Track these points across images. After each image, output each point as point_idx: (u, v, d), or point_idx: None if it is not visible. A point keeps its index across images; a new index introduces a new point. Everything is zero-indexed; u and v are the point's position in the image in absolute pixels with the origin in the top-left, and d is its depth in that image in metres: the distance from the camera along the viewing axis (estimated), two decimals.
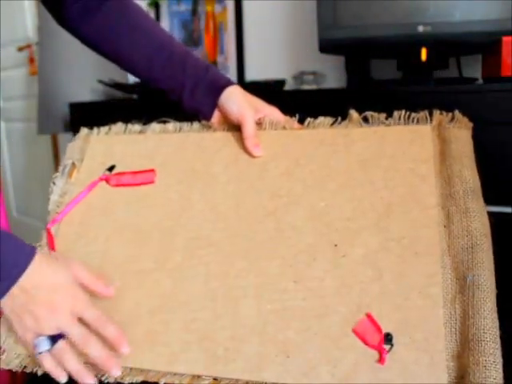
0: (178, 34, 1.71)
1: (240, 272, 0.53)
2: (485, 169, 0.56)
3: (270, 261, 0.53)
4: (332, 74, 1.40)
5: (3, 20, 2.12)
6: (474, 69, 1.19)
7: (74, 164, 0.67)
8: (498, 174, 0.87)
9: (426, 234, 0.50)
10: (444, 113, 0.58)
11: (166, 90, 0.68)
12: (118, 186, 0.63)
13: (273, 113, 0.64)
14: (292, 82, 1.42)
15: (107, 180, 0.64)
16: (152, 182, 0.63)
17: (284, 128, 0.63)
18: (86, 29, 0.68)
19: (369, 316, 0.47)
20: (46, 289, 0.49)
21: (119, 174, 0.64)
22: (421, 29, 1.02)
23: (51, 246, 0.60)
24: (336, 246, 0.52)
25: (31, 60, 2.11)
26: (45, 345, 0.49)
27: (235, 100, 0.63)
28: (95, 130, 0.71)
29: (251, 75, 1.58)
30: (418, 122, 0.58)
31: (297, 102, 0.64)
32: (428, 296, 0.47)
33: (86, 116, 0.69)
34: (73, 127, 1.43)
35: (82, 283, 0.52)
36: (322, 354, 0.47)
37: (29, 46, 2.10)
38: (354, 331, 0.47)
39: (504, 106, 0.87)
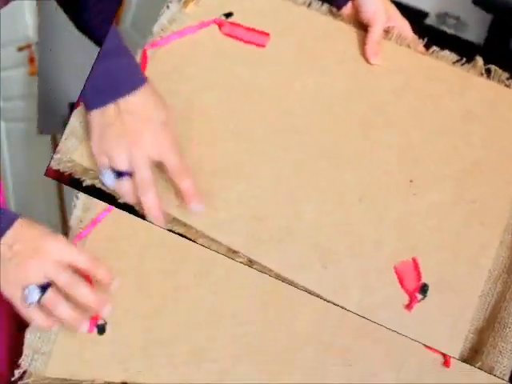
0: None
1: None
2: None
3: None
4: None
5: (3, 20, 2.12)
6: None
7: None
8: None
9: (498, 206, 0.49)
10: None
11: None
12: (229, 35, 0.60)
13: (403, 26, 0.63)
14: None
15: (220, 25, 0.60)
16: (263, 45, 0.59)
17: (408, 46, 0.61)
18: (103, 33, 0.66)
19: (414, 260, 0.47)
20: (31, 240, 0.48)
21: (234, 24, 0.61)
22: None
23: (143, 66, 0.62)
24: (411, 181, 0.51)
25: (31, 60, 2.10)
26: (35, 294, 0.46)
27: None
28: None
29: None
30: None
31: None
32: (477, 266, 0.47)
33: None
34: None
35: (78, 268, 0.49)
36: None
37: (29, 46, 2.10)
38: (395, 268, 0.46)
39: None
